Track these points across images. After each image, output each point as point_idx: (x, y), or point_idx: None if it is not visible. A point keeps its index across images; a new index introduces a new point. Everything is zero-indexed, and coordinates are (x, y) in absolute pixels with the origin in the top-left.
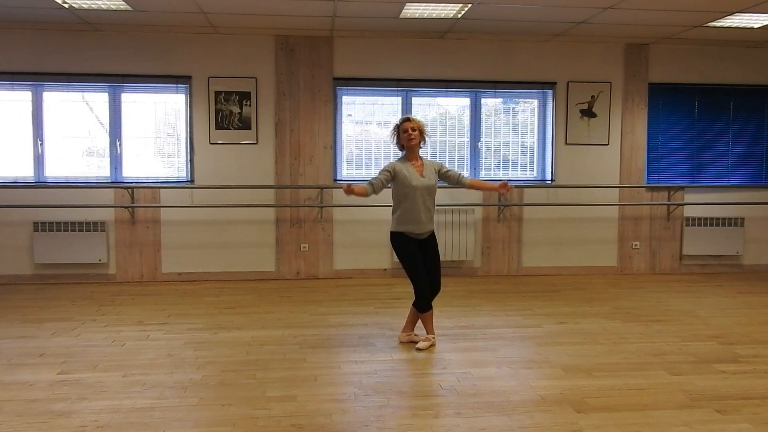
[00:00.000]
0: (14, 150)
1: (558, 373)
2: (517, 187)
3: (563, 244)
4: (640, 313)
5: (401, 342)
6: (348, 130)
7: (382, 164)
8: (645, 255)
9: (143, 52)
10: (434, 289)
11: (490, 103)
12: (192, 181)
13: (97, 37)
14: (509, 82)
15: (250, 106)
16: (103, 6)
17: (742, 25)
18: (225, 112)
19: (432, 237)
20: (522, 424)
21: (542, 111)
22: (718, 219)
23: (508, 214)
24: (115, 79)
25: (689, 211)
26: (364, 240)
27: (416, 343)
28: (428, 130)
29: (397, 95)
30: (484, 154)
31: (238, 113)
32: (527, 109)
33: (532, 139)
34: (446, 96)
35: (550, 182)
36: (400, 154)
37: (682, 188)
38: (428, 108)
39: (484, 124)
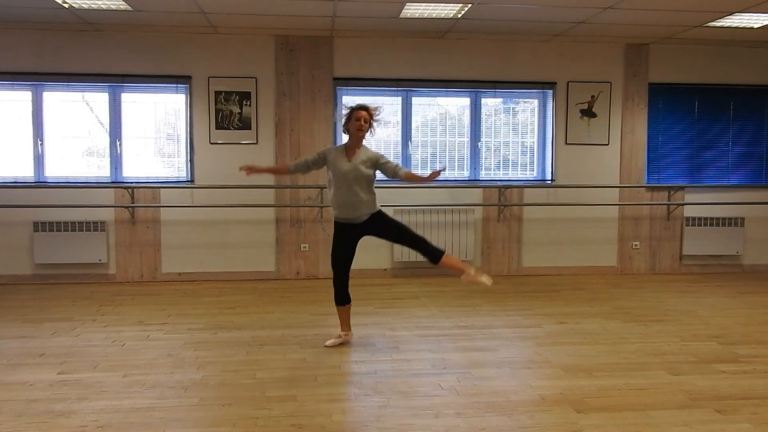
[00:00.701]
0: (14, 150)
1: (558, 373)
2: (517, 187)
3: (563, 244)
4: (640, 313)
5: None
6: None
7: None
8: (645, 255)
9: (143, 52)
10: (416, 244)
11: (490, 103)
12: (192, 181)
13: (97, 37)
14: (509, 82)
15: (250, 106)
16: (103, 6)
17: (742, 25)
18: (225, 112)
19: (374, 217)
20: (522, 424)
21: (542, 111)
22: (718, 219)
23: (508, 214)
24: (115, 79)
25: (689, 211)
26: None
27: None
28: (427, 129)
29: (397, 95)
30: (484, 154)
31: (238, 113)
32: (527, 109)
33: (532, 139)
34: (446, 96)
35: (550, 182)
36: (401, 153)
37: (682, 188)
38: (428, 108)
39: (484, 124)
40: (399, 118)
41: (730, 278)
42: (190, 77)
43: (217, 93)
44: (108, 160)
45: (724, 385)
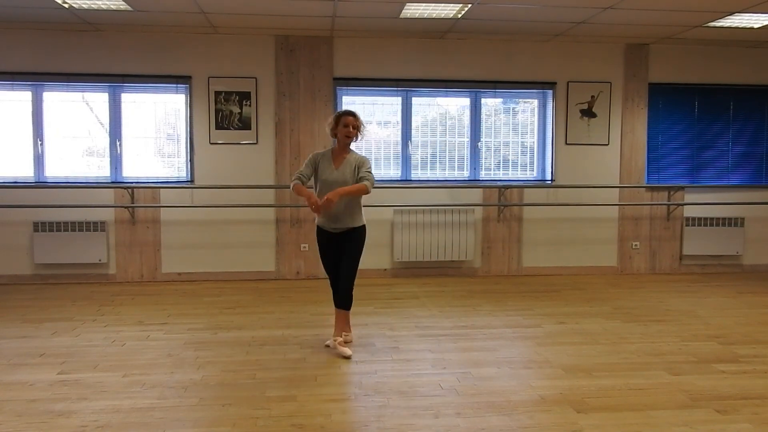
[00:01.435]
0: (14, 150)
1: (558, 373)
2: (517, 187)
3: (563, 244)
4: (640, 313)
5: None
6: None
7: (382, 165)
8: (645, 255)
9: (143, 52)
10: (338, 291)
11: (490, 103)
12: (192, 181)
13: (97, 37)
14: (509, 82)
15: (250, 106)
16: (103, 6)
17: (742, 25)
18: (225, 112)
19: (348, 234)
20: (522, 424)
21: (542, 111)
22: (718, 219)
23: (508, 214)
24: (115, 79)
25: (689, 211)
26: None
27: (346, 343)
28: (427, 129)
29: (397, 95)
30: (484, 154)
31: (238, 113)
32: (527, 109)
33: (532, 139)
34: (446, 96)
35: (550, 182)
36: (401, 153)
37: (682, 188)
38: (428, 108)
39: (484, 124)
40: (399, 118)
41: (730, 278)
42: (190, 77)
43: (217, 93)
44: (108, 160)
45: (724, 385)
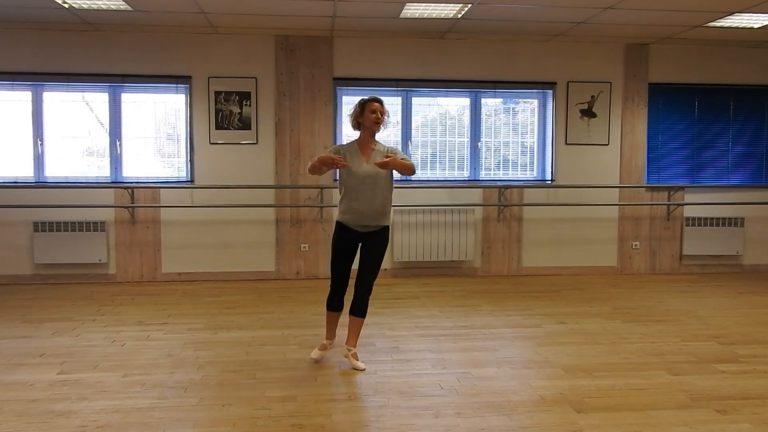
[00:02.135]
0: (14, 150)
1: (558, 373)
2: (517, 187)
3: (563, 244)
4: (640, 313)
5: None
6: (348, 130)
7: None
8: (645, 255)
9: (143, 52)
10: (357, 296)
11: (490, 103)
12: (192, 181)
13: (97, 37)
14: (509, 82)
15: (250, 106)
16: (103, 6)
17: (742, 25)
18: (225, 112)
19: (377, 234)
20: (522, 424)
21: (542, 111)
22: (718, 219)
23: (508, 214)
24: (115, 79)
25: (689, 211)
26: None
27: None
28: (427, 129)
29: (397, 95)
30: (484, 154)
31: (238, 113)
32: (527, 109)
33: (532, 139)
34: (446, 96)
35: (550, 182)
36: (401, 149)
37: (682, 188)
38: (428, 108)
39: (484, 124)
40: (399, 118)
41: (730, 278)
42: (190, 77)
43: (217, 93)
44: (108, 160)
45: (724, 385)
